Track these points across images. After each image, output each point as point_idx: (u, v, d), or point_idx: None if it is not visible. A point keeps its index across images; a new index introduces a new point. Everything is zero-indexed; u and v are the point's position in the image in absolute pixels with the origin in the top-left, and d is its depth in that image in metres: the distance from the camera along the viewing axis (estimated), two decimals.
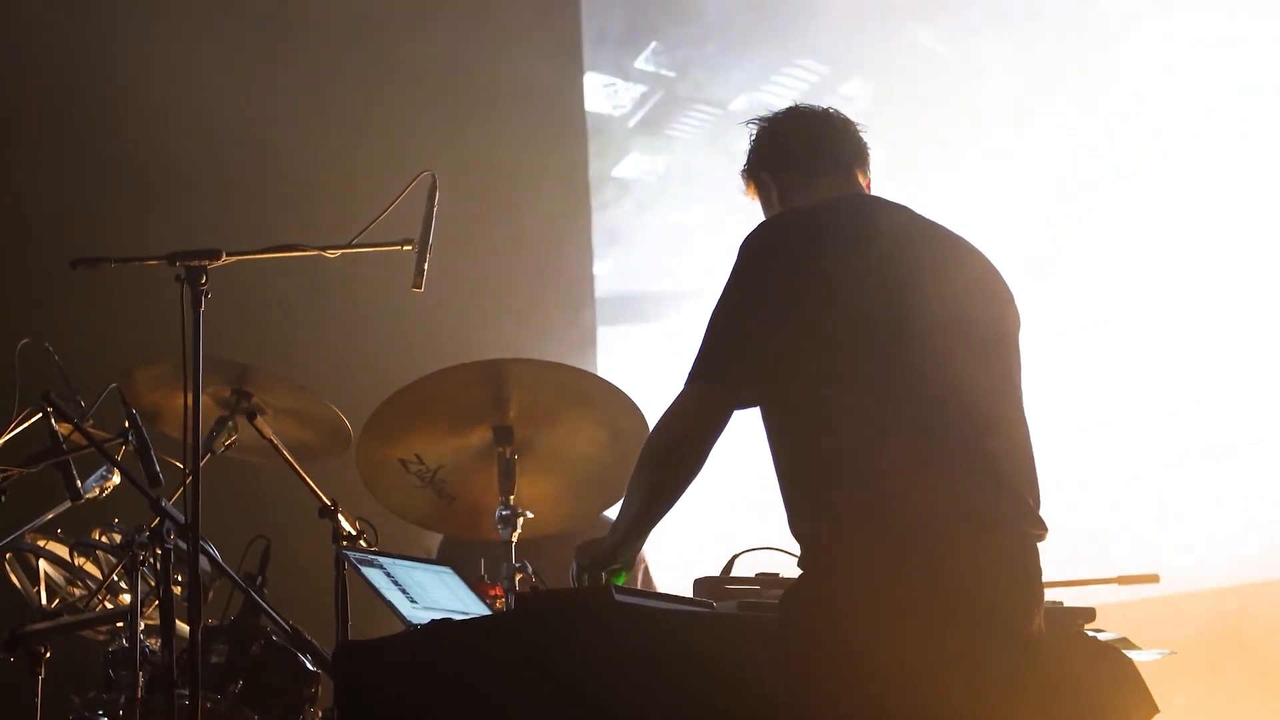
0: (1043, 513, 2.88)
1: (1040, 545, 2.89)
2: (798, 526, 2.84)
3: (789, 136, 3.19)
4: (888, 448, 2.74)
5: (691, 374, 2.87)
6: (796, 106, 3.24)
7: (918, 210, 3.07)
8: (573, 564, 3.04)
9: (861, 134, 3.19)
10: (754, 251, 2.91)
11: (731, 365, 2.85)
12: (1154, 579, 3.93)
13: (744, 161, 3.24)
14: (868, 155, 3.19)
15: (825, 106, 3.23)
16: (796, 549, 2.85)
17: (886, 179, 3.22)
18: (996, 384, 2.91)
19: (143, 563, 3.74)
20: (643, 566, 5.22)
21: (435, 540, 5.29)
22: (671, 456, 2.86)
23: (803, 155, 3.15)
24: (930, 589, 2.68)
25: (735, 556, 3.35)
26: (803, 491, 2.82)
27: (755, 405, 2.90)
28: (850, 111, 3.23)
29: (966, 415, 2.81)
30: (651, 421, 2.96)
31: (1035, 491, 2.91)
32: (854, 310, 2.80)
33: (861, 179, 3.16)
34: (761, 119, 3.23)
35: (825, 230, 2.93)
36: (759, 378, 2.85)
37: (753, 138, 3.22)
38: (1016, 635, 2.80)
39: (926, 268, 2.90)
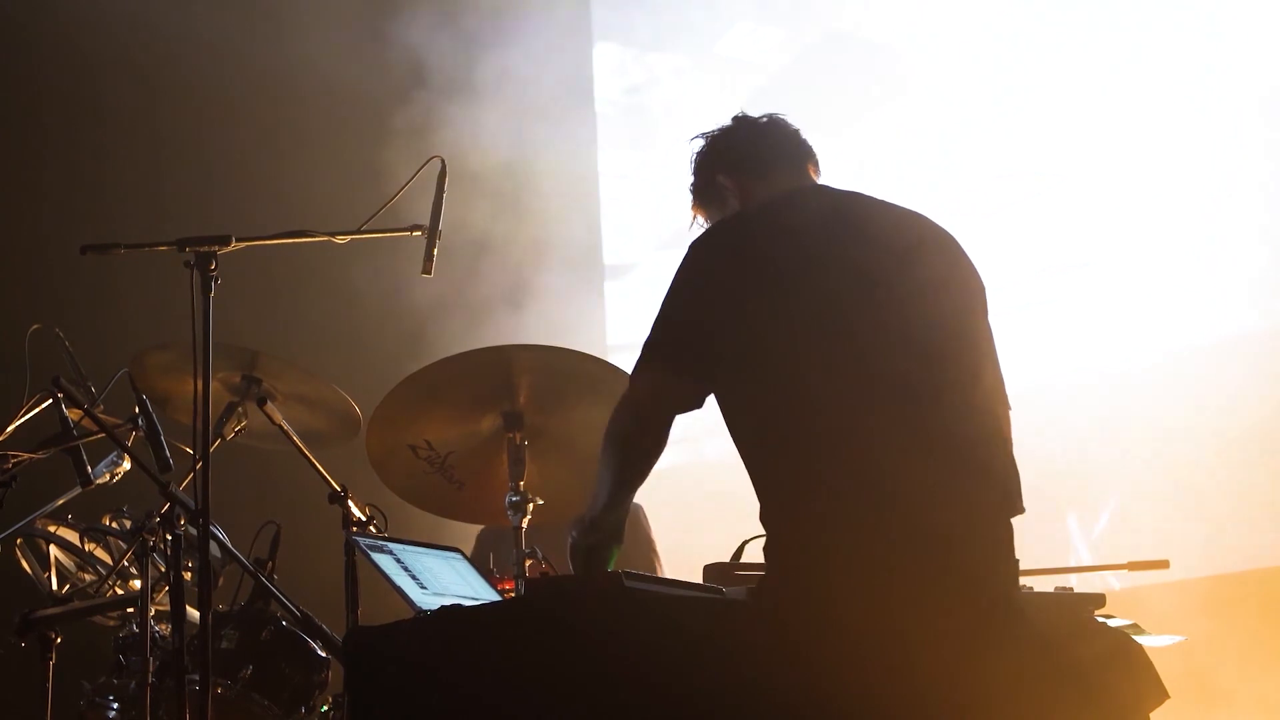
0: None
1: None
2: (776, 506, 2.84)
3: (741, 138, 3.24)
4: (870, 428, 2.76)
5: (641, 361, 2.92)
6: (743, 115, 3.29)
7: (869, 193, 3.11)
8: (568, 535, 3.07)
9: (804, 136, 3.24)
10: (705, 247, 2.96)
11: (682, 352, 2.89)
12: (1164, 565, 3.93)
13: (693, 173, 3.27)
14: (815, 153, 3.23)
15: (769, 113, 3.28)
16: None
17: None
18: (965, 374, 2.93)
19: (153, 548, 3.75)
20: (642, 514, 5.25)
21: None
22: (631, 442, 2.93)
23: (759, 151, 3.20)
24: (925, 570, 2.71)
25: (745, 543, 3.36)
26: (781, 474, 2.83)
27: (707, 395, 2.94)
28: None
29: (943, 403, 2.83)
30: None
31: (1014, 473, 2.94)
32: (822, 299, 2.83)
33: (813, 172, 3.21)
34: (707, 131, 3.28)
35: (783, 221, 2.97)
36: (713, 369, 2.89)
37: (701, 150, 3.27)
38: (999, 603, 2.83)
39: (893, 258, 2.94)
